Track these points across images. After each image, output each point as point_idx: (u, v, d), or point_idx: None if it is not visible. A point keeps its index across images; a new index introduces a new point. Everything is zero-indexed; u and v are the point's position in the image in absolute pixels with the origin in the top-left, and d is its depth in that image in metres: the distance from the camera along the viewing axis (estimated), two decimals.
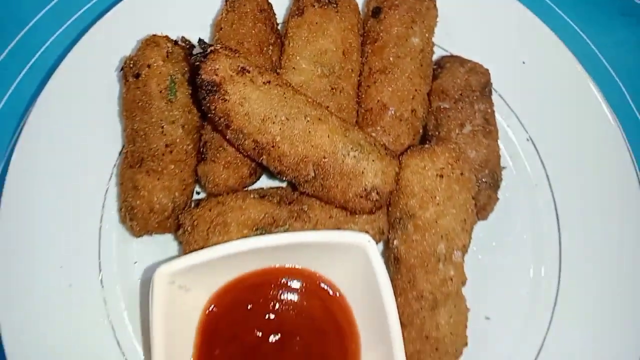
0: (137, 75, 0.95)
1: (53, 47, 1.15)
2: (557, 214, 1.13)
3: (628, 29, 1.35)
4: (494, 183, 1.04)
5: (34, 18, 1.16)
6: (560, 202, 1.13)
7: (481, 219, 1.07)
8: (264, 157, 0.89)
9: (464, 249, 0.97)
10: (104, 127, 1.04)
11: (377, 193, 0.91)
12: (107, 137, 1.04)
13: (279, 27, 1.10)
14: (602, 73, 1.31)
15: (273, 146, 0.87)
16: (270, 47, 1.04)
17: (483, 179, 1.04)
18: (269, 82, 0.87)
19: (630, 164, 1.11)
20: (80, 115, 1.03)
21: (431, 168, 0.93)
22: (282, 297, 1.00)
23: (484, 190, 1.03)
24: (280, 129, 0.86)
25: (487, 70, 1.07)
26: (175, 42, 1.00)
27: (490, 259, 1.12)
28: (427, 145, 0.96)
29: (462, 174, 0.93)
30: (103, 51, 1.04)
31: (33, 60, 1.15)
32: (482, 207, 1.04)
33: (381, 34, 1.03)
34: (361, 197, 0.91)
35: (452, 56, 1.10)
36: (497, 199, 1.07)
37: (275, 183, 1.09)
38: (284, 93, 0.88)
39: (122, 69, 0.99)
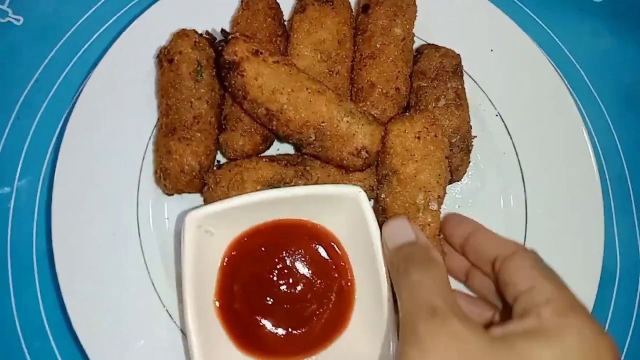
0: (171, 61, 1.17)
1: (97, 42, 1.37)
2: (522, 176, 1.33)
3: (584, 22, 1.56)
4: (466, 147, 1.24)
5: (80, 18, 1.38)
6: (525, 167, 1.33)
7: (456, 179, 1.26)
8: (274, 122, 1.11)
9: (439, 200, 1.17)
10: (143, 104, 1.25)
11: (367, 152, 1.12)
12: (145, 112, 1.24)
13: (285, 22, 1.32)
14: (560, 56, 1.51)
15: (281, 113, 1.08)
16: (279, 38, 1.25)
17: (456, 144, 1.23)
18: (278, 61, 1.09)
19: (582, 128, 1.31)
20: (124, 95, 1.24)
21: (410, 131, 1.13)
22: (289, 243, 1.19)
23: (457, 153, 1.22)
24: (287, 98, 1.07)
25: (458, 54, 1.28)
26: (201, 35, 1.22)
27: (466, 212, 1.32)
28: (407, 114, 1.17)
29: (435, 136, 1.14)
30: (142, 43, 1.25)
31: (80, 52, 1.38)
32: (456, 168, 1.22)
33: (369, 26, 1.24)
34: (353, 155, 1.12)
35: (428, 44, 1.31)
36: (469, 161, 1.26)
37: (283, 152, 1.30)
38: (290, 70, 1.09)
39: (158, 56, 1.21)
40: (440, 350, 0.76)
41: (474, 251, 1.06)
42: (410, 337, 0.81)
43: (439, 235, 1.15)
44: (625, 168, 1.47)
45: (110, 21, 1.41)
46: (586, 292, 1.24)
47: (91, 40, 1.39)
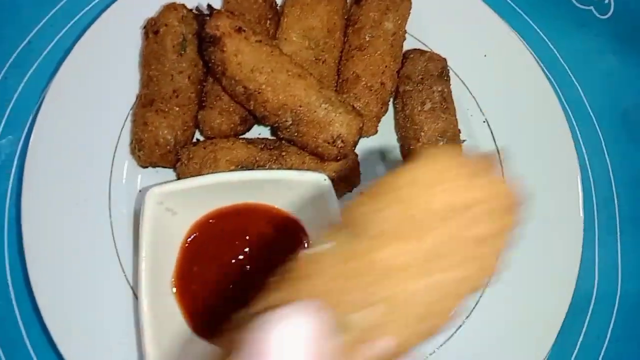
0: (156, 32, 1.17)
1: (94, 9, 1.37)
2: None
3: (587, 38, 1.53)
4: None
5: None
6: (507, 176, 1.30)
7: None
8: (252, 102, 1.09)
9: None
10: (128, 75, 1.24)
11: (342, 141, 1.10)
12: (129, 83, 1.23)
13: (278, 6, 1.30)
14: (559, 70, 1.48)
15: (259, 92, 1.07)
16: (268, 21, 1.24)
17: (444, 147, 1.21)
18: (260, 41, 1.08)
19: (571, 146, 1.29)
20: (109, 63, 1.23)
21: None
22: (251, 227, 1.17)
23: None
24: (265, 78, 1.06)
25: (443, 58, 1.26)
26: (190, 10, 1.21)
27: None
28: None
29: None
30: (132, 14, 1.25)
31: (76, 18, 1.38)
32: None
33: (360, 17, 1.23)
34: (328, 143, 1.10)
35: (414, 49, 1.29)
36: None
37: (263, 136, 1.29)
38: (272, 51, 1.08)
39: (144, 27, 1.21)
40: None
41: None
42: None
43: None
44: (614, 190, 1.43)
45: None
46: (556, 312, 1.21)
47: (88, 7, 1.38)
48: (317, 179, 1.10)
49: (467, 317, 1.21)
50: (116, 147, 1.23)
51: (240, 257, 1.17)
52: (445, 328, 0.57)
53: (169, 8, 1.18)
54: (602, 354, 1.31)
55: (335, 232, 0.59)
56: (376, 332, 0.54)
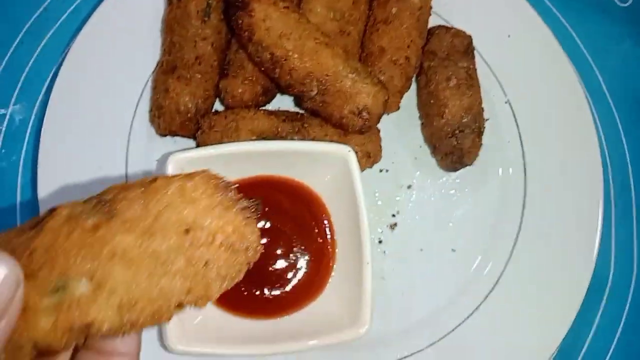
0: None
1: None
2: (524, 167, 1.29)
3: (606, 25, 1.53)
4: (477, 129, 1.20)
5: None
6: (528, 157, 1.29)
7: (467, 163, 1.22)
8: (278, 69, 1.07)
9: None
10: (148, 41, 1.22)
11: (368, 112, 1.09)
12: (149, 50, 1.22)
13: None
14: (579, 55, 1.47)
15: (286, 60, 1.05)
16: None
17: (467, 124, 1.19)
18: (288, 7, 1.06)
19: (591, 128, 1.28)
20: (129, 30, 1.22)
21: None
22: (273, 200, 1.16)
23: (468, 134, 1.19)
24: (293, 45, 1.04)
25: (469, 34, 1.25)
26: None
27: (462, 199, 1.29)
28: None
29: None
30: None
31: None
32: (468, 150, 1.19)
33: None
34: (354, 114, 1.09)
35: (439, 26, 1.28)
36: (481, 144, 1.22)
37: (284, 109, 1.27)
38: (299, 18, 1.07)
39: None
40: None
41: None
42: None
43: None
44: (631, 176, 1.43)
45: None
46: (574, 293, 1.21)
47: None
48: (341, 150, 1.08)
49: (488, 294, 1.21)
50: (134, 115, 1.21)
51: (260, 230, 1.14)
52: (148, 327, 0.59)
53: None
54: (617, 336, 1.31)
55: (95, 200, 0.61)
56: (83, 306, 0.56)
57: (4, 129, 1.29)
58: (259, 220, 1.14)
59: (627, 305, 1.34)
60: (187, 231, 0.59)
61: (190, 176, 0.63)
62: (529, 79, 1.32)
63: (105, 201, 0.60)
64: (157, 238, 0.59)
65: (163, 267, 0.59)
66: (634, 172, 1.43)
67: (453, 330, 1.18)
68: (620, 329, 1.31)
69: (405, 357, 1.17)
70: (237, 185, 0.65)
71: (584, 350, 1.29)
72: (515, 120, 1.31)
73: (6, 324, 0.50)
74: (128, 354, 0.68)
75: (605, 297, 1.34)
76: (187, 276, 0.59)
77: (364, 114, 1.09)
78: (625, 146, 1.45)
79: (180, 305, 0.60)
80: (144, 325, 0.58)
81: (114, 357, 0.66)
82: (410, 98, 1.30)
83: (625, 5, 1.57)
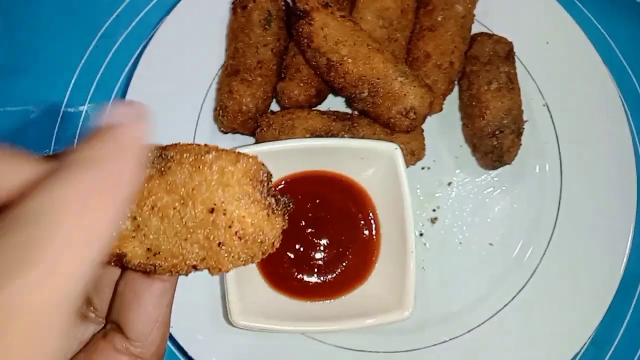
0: (244, 7, 1.26)
1: None
2: (560, 168, 1.36)
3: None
4: (517, 130, 1.27)
5: None
6: (564, 160, 1.36)
7: (507, 161, 1.29)
8: (333, 73, 1.18)
9: None
10: (214, 46, 1.34)
11: (415, 113, 1.18)
12: (214, 54, 1.34)
13: None
14: (613, 58, 1.53)
15: (341, 64, 1.15)
16: (345, 1, 1.33)
17: (508, 125, 1.26)
18: (344, 16, 1.16)
19: (627, 132, 1.34)
20: (197, 35, 1.34)
21: None
22: (323, 193, 1.26)
23: (508, 135, 1.26)
24: (348, 50, 1.15)
25: (510, 41, 1.32)
26: None
27: (500, 196, 1.37)
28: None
29: None
30: None
31: None
32: (507, 149, 1.26)
33: (432, 0, 1.31)
34: (402, 114, 1.18)
35: (482, 32, 1.35)
36: (520, 144, 1.29)
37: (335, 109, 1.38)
38: (354, 26, 1.17)
39: (233, 2, 1.31)
40: None
41: None
42: None
43: None
44: None
45: None
46: (605, 289, 1.27)
47: None
48: (389, 148, 1.17)
49: (523, 287, 1.28)
50: (199, 114, 1.34)
51: (311, 221, 1.25)
52: (167, 274, 0.67)
53: None
54: None
55: (158, 152, 0.66)
56: (122, 239, 0.65)
57: (80, 124, 1.43)
58: (309, 213, 1.26)
59: None
60: (211, 210, 0.64)
61: (237, 158, 0.67)
62: (566, 84, 1.39)
63: (165, 157, 0.66)
64: (188, 206, 0.65)
65: (186, 233, 0.65)
66: None
67: (490, 318, 1.26)
68: None
69: (443, 342, 1.26)
70: (272, 182, 0.70)
71: (615, 342, 1.34)
72: (553, 123, 1.38)
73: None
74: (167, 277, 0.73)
75: (637, 293, 1.39)
76: (203, 247, 0.65)
77: (411, 114, 1.18)
78: None
79: (195, 267, 0.67)
80: (164, 272, 0.67)
81: (155, 279, 0.73)
82: (452, 100, 1.38)
83: None
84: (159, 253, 0.66)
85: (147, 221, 0.65)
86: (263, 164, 0.70)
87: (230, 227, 0.65)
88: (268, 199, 0.68)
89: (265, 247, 0.68)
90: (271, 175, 0.71)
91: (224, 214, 0.65)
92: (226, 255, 0.66)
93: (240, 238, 0.65)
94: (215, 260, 0.67)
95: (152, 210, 0.65)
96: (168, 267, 0.67)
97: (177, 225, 0.66)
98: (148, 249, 0.66)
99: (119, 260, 0.66)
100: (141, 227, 0.65)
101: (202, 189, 0.65)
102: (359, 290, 1.21)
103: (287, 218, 0.70)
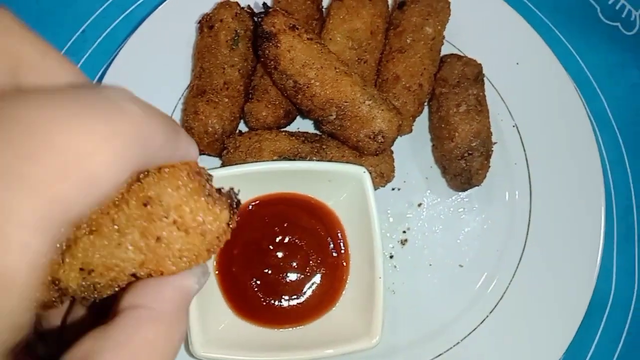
0: (211, 27, 1.24)
1: (147, 3, 1.45)
2: (530, 189, 1.36)
3: (613, 52, 1.60)
4: (486, 152, 1.27)
5: None
6: (534, 181, 1.36)
7: (476, 184, 1.29)
8: (300, 96, 1.16)
9: None
10: (180, 65, 1.32)
11: (383, 136, 1.17)
12: (180, 74, 1.31)
13: (323, 8, 1.38)
14: (584, 79, 1.54)
15: (308, 87, 1.14)
16: (315, 22, 1.32)
17: (476, 148, 1.26)
18: (311, 39, 1.15)
19: (596, 154, 1.35)
20: (163, 54, 1.31)
21: None
22: (292, 216, 1.24)
23: (477, 157, 1.26)
24: (315, 74, 1.13)
25: (479, 63, 1.32)
26: (243, 7, 1.29)
27: (470, 217, 1.36)
28: None
29: None
30: (187, 8, 1.32)
31: (129, 10, 1.45)
32: (476, 171, 1.26)
33: (402, 22, 1.29)
34: (370, 138, 1.17)
35: (451, 54, 1.35)
36: (489, 166, 1.29)
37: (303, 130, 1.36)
38: (321, 49, 1.15)
39: (200, 21, 1.28)
40: None
41: None
42: None
43: None
44: (634, 199, 1.49)
45: None
46: (575, 311, 1.27)
47: (140, 0, 1.46)
48: (357, 171, 1.16)
49: (492, 310, 1.27)
50: None
51: (279, 243, 1.23)
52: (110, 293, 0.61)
53: (224, 5, 1.25)
54: (616, 354, 1.36)
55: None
56: (53, 266, 0.58)
57: None
58: (277, 235, 1.24)
59: (627, 323, 1.40)
60: (145, 204, 0.57)
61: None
62: (536, 105, 1.39)
63: None
64: (121, 208, 0.57)
65: (119, 237, 0.58)
66: (636, 194, 1.49)
67: (458, 343, 1.25)
68: (620, 347, 1.37)
69: None
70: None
71: None
72: (522, 144, 1.38)
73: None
74: None
75: (605, 315, 1.40)
76: (140, 249, 0.58)
77: (379, 137, 1.17)
78: (629, 170, 1.51)
79: (135, 275, 0.60)
80: (105, 291, 0.60)
81: None
82: (423, 121, 1.38)
83: (631, 33, 1.63)
84: (94, 270, 0.59)
85: (76, 239, 0.58)
86: (203, 167, 0.63)
87: (166, 217, 0.57)
88: (208, 187, 0.60)
89: (209, 242, 0.60)
90: (212, 176, 0.63)
91: (160, 204, 0.57)
92: (167, 253, 0.59)
93: (179, 229, 0.58)
94: (155, 262, 0.59)
95: (80, 227, 0.58)
96: (107, 283, 0.60)
97: (108, 232, 0.58)
98: (81, 269, 0.59)
99: (55, 291, 0.60)
100: (67, 248, 0.58)
101: (136, 188, 0.58)
102: (326, 317, 1.19)
103: (235, 212, 0.62)
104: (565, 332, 1.27)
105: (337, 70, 1.14)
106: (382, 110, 1.15)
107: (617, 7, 1.65)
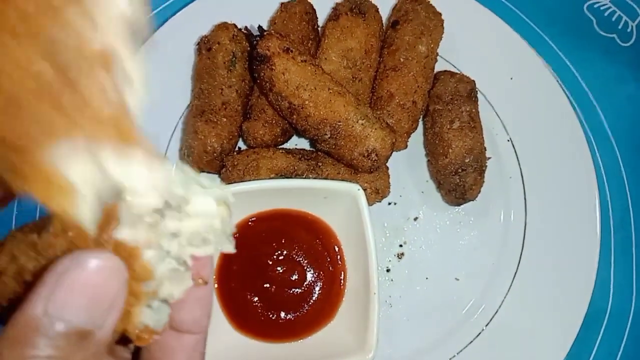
0: (209, 49, 1.28)
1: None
2: (525, 203, 1.38)
3: (609, 65, 1.61)
4: (479, 167, 1.29)
5: None
6: (529, 194, 1.38)
7: (470, 198, 1.31)
8: (295, 116, 1.19)
9: None
10: (179, 86, 1.35)
11: (376, 155, 1.19)
12: (180, 94, 1.35)
13: (318, 28, 1.41)
14: (581, 93, 1.55)
15: (302, 108, 1.17)
16: (310, 42, 1.35)
17: (470, 164, 1.28)
18: (305, 61, 1.18)
19: (591, 168, 1.36)
20: (163, 75, 1.35)
21: None
22: (290, 232, 1.27)
23: (470, 173, 1.28)
24: (309, 95, 1.16)
25: (472, 80, 1.34)
26: (240, 29, 1.32)
27: (465, 230, 1.38)
28: None
29: None
30: (185, 31, 1.36)
31: None
32: (470, 187, 1.28)
33: (396, 40, 1.32)
34: (364, 156, 1.19)
35: (445, 71, 1.37)
36: (483, 181, 1.31)
37: (300, 148, 1.39)
38: (315, 70, 1.18)
39: (198, 44, 1.32)
40: None
41: None
42: None
43: None
44: (631, 212, 1.49)
45: (162, 6, 1.52)
46: (571, 323, 1.28)
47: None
48: (351, 188, 1.19)
49: (488, 323, 1.29)
50: (166, 152, 1.34)
51: (277, 259, 1.26)
52: None
53: (221, 27, 1.29)
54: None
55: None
56: None
57: None
58: (275, 251, 1.26)
59: (625, 337, 1.40)
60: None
61: None
62: (531, 119, 1.41)
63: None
64: None
65: None
66: (634, 208, 1.49)
67: (454, 356, 1.27)
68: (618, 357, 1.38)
69: None
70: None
71: None
72: (517, 158, 1.40)
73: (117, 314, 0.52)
74: (197, 329, 0.68)
75: (602, 329, 1.40)
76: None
77: (373, 155, 1.19)
78: (626, 183, 1.51)
79: None
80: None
81: (184, 333, 0.66)
82: (418, 136, 1.40)
83: (627, 45, 1.64)
84: None
85: None
86: None
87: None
88: None
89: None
90: None
91: None
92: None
93: None
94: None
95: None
96: None
97: None
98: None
99: None
100: None
101: None
102: (323, 332, 1.22)
103: None
104: (561, 345, 1.28)
105: (331, 91, 1.17)
106: (375, 129, 1.18)
107: (614, 19, 1.66)
